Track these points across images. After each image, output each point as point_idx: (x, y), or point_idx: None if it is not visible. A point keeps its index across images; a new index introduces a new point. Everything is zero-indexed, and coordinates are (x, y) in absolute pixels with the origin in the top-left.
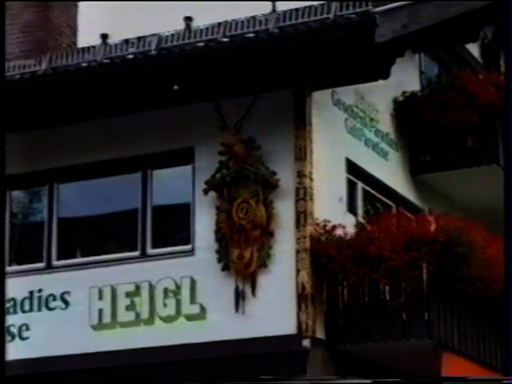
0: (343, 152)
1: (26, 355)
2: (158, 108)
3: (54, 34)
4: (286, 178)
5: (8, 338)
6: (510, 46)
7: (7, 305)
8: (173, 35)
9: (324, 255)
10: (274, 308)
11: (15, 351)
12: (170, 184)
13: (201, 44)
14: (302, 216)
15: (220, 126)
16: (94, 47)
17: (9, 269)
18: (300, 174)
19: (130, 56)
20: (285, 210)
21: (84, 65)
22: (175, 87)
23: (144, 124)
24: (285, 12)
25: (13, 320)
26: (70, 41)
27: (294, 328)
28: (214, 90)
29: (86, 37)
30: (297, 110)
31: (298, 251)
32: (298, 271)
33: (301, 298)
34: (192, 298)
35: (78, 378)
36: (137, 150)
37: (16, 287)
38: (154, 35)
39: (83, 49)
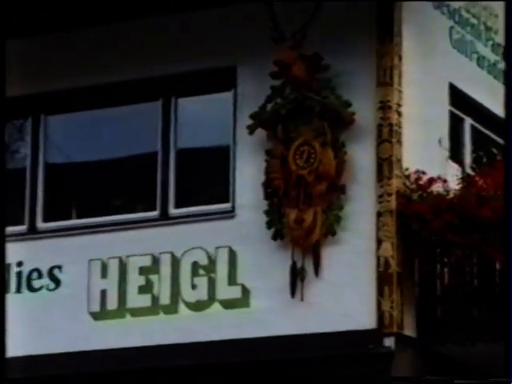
0: (446, 75)
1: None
2: (182, 11)
3: None
4: (364, 111)
5: None
6: (510, 45)
7: None
8: None
9: (416, 220)
10: (345, 293)
11: None
12: (201, 118)
13: None
14: (385, 165)
15: (273, 38)
16: None
17: None
18: (384, 106)
19: None
20: (362, 155)
21: None
22: None
23: (165, 33)
24: None
25: None
26: None
27: (374, 321)
28: None
29: None
30: (381, 14)
31: (379, 214)
32: (379, 242)
33: (383, 279)
34: (231, 276)
35: (71, 383)
36: (155, 70)
37: None
38: None
39: None
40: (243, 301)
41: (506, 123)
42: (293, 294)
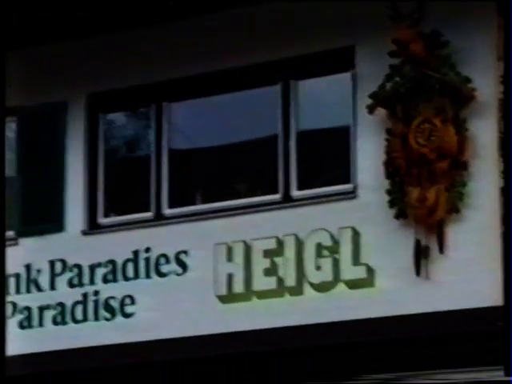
0: None
1: (131, 338)
2: None
3: None
4: (485, 87)
5: (107, 315)
6: (510, 45)
7: (104, 270)
8: None
9: None
10: (471, 270)
11: (117, 333)
12: (321, 100)
13: None
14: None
15: (391, 16)
16: None
17: (105, 221)
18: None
19: None
20: (484, 131)
21: None
22: None
23: (282, 16)
24: None
25: (112, 291)
26: None
27: (500, 298)
28: None
29: None
30: None
31: (503, 190)
32: (503, 218)
33: None
34: (355, 256)
35: (202, 366)
36: (275, 54)
37: (115, 246)
38: None
39: None
40: (368, 280)
41: (505, 122)
42: (418, 272)
